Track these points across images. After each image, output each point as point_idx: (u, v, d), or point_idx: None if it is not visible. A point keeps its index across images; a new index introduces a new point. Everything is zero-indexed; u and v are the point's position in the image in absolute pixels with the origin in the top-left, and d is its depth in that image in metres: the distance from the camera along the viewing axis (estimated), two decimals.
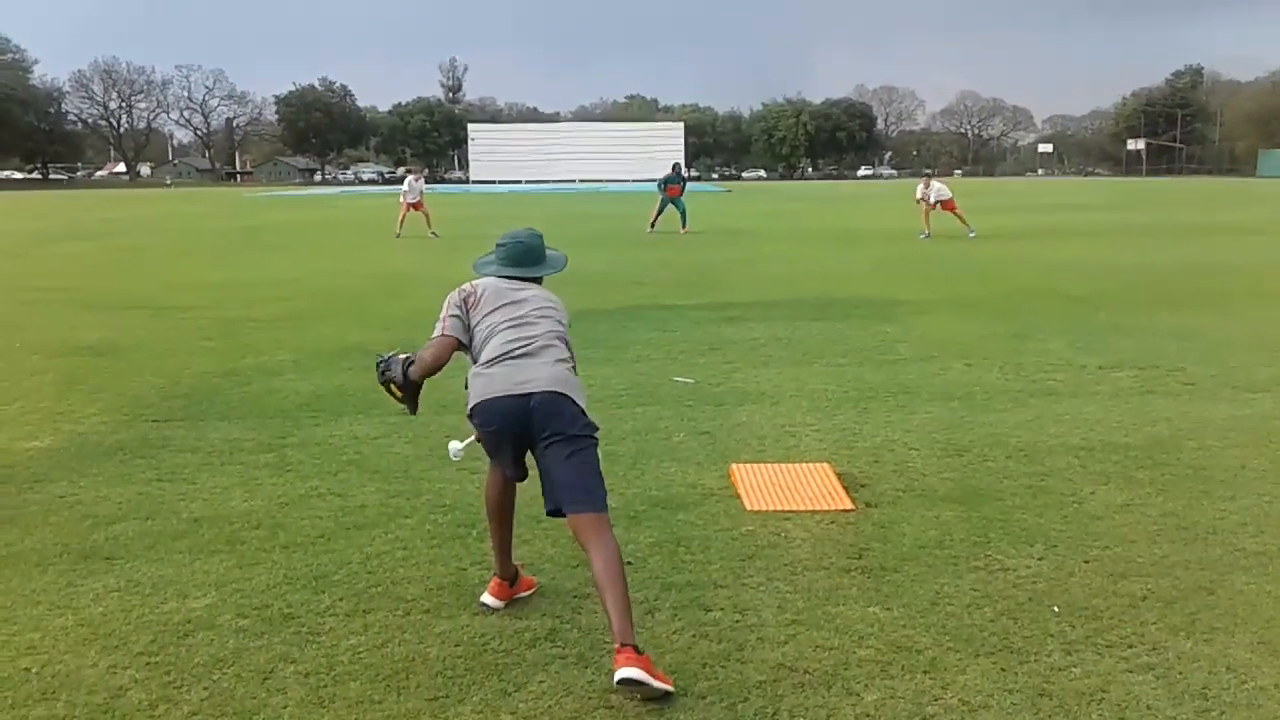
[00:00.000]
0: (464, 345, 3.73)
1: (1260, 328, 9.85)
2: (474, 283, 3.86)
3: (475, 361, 3.68)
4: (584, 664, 3.40)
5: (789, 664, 3.38)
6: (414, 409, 3.84)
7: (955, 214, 22.44)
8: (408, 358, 3.76)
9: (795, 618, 3.71)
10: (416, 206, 23.52)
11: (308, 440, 6.10)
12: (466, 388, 3.65)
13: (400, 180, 26.30)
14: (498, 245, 3.93)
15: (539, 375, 3.54)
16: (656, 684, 3.11)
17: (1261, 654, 3.43)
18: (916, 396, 7.09)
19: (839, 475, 5.30)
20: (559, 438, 3.47)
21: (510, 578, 3.85)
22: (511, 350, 3.61)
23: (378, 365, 3.81)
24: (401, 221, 23.48)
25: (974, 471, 5.43)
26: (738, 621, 3.69)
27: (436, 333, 3.74)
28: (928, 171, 29.11)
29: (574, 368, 3.72)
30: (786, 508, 4.84)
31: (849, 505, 4.87)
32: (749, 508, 4.86)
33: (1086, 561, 4.21)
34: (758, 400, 7.06)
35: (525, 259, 3.93)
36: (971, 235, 21.51)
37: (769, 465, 5.49)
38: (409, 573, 4.13)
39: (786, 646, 3.50)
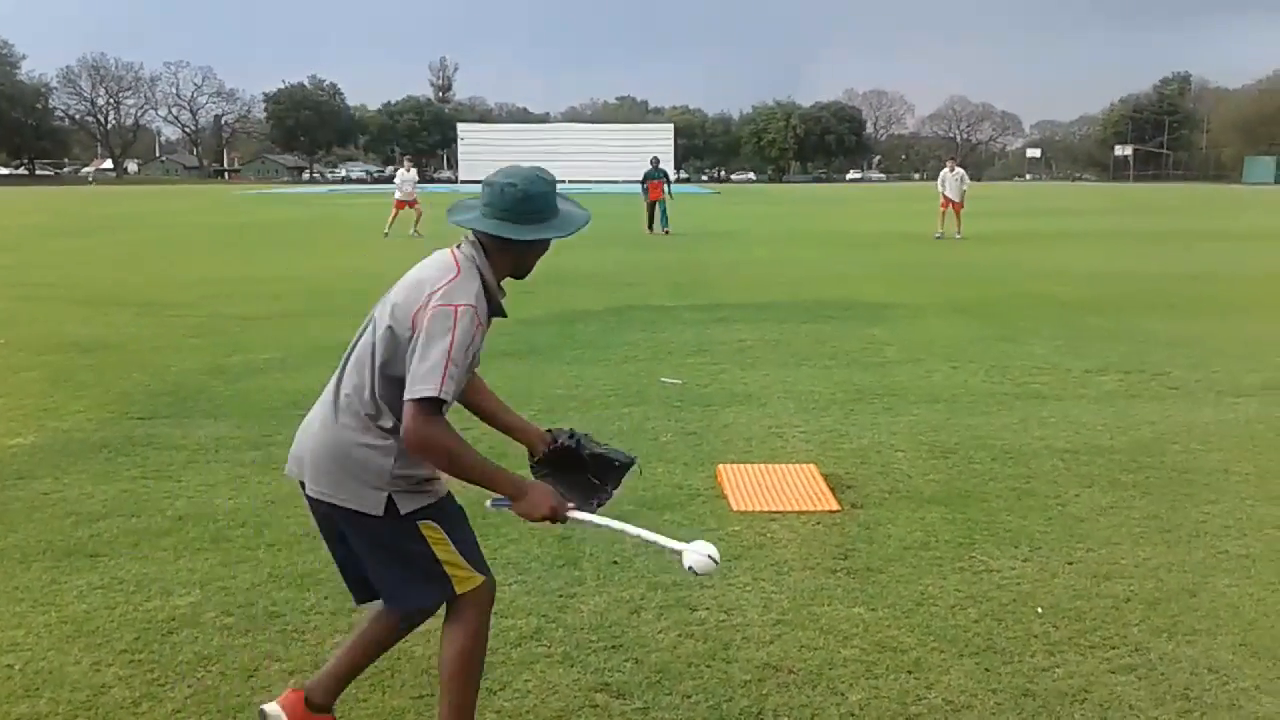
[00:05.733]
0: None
1: (1245, 333, 9.91)
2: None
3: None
4: (569, 663, 3.40)
5: (774, 663, 3.39)
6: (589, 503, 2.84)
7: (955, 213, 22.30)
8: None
9: (780, 617, 3.72)
10: (411, 204, 23.28)
11: None
12: None
13: (390, 179, 26.12)
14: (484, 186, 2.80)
15: (306, 460, 2.78)
16: None
17: (1243, 655, 3.45)
18: (903, 399, 7.12)
19: (825, 476, 5.31)
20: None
21: (323, 706, 2.85)
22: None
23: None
24: (392, 221, 23.35)
25: (959, 473, 5.46)
26: (723, 621, 3.70)
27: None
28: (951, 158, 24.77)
29: (368, 417, 2.70)
30: (773, 508, 4.85)
31: (835, 506, 4.89)
32: (735, 508, 4.87)
33: (1070, 563, 4.24)
34: (745, 401, 7.07)
35: (521, 210, 2.74)
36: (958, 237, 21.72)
37: (755, 466, 5.50)
38: None
39: (772, 646, 3.51)
